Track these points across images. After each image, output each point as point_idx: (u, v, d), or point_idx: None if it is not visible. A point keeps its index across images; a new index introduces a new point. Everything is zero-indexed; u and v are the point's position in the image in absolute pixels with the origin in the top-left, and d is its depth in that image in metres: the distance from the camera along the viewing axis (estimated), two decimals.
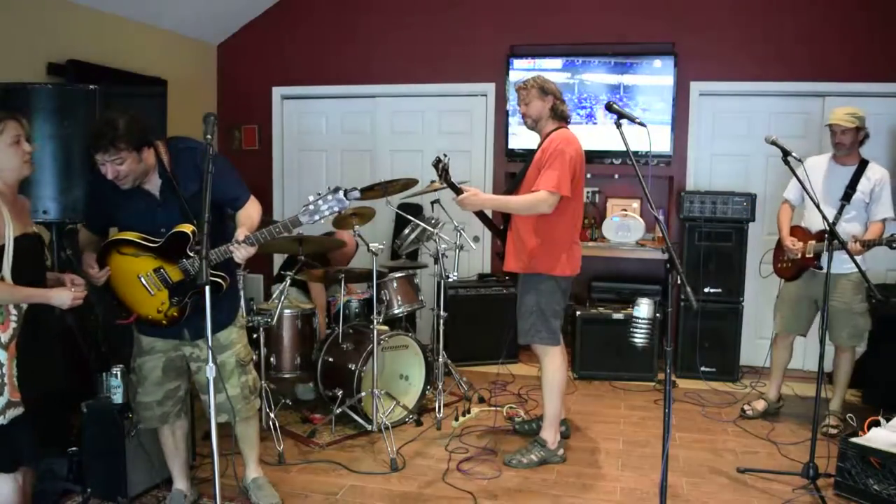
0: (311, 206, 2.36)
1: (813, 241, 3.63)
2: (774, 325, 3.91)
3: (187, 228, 2.43)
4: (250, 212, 2.58)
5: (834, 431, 3.67)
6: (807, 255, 3.66)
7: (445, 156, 3.25)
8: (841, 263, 3.41)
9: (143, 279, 2.50)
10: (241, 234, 2.41)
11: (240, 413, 2.69)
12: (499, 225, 3.51)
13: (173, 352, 2.66)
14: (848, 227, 3.58)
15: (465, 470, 3.26)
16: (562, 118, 3.28)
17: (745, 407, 4.01)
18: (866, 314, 3.72)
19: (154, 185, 2.50)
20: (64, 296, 2.28)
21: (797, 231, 3.80)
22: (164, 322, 2.54)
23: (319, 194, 2.36)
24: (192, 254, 2.43)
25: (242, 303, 2.90)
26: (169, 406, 2.71)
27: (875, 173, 3.62)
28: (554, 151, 3.12)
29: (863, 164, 3.64)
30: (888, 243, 3.29)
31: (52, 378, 2.38)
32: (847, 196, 3.61)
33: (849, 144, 3.62)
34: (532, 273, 3.27)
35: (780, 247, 3.84)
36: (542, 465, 3.31)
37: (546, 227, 3.20)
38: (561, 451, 3.37)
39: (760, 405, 4.01)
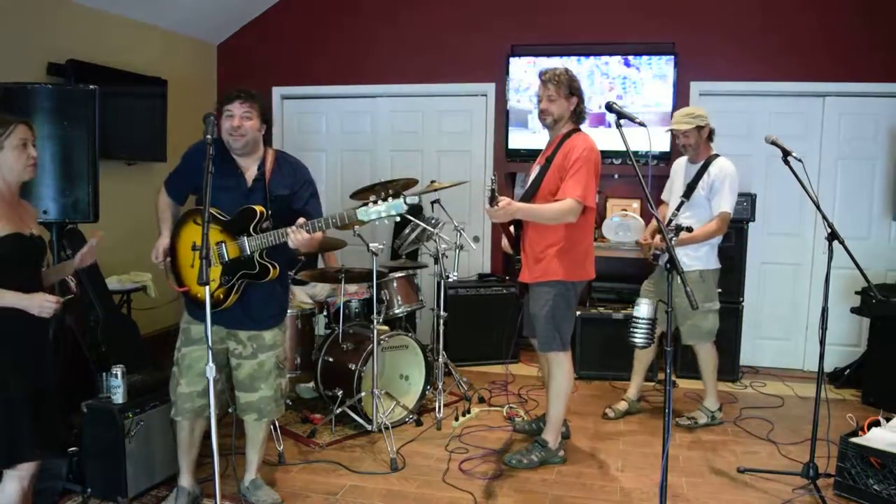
0: (371, 206, 2.46)
1: (656, 238, 3.68)
2: None
3: (258, 208, 2.57)
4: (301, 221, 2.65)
5: (685, 423, 3.81)
6: (648, 256, 3.76)
7: (493, 181, 3.09)
8: (681, 259, 3.49)
9: None
10: (300, 220, 2.55)
11: (269, 415, 2.77)
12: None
13: (219, 344, 2.70)
14: (683, 224, 3.53)
15: (465, 470, 3.26)
16: (579, 120, 3.21)
17: (607, 410, 3.99)
18: (711, 314, 3.72)
19: (251, 173, 2.67)
20: (44, 305, 2.24)
21: (655, 230, 3.85)
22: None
23: (381, 196, 2.47)
24: (254, 233, 2.55)
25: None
26: (207, 398, 2.71)
27: (715, 168, 3.64)
28: (579, 158, 3.05)
29: (708, 161, 3.68)
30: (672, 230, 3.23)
31: (43, 376, 2.34)
32: (688, 193, 3.67)
33: (694, 144, 3.66)
34: (547, 280, 3.18)
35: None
36: (543, 466, 3.31)
37: (563, 234, 3.14)
38: (562, 453, 3.37)
39: (622, 406, 4.01)
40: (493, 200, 2.95)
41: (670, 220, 3.68)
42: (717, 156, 3.69)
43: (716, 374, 3.85)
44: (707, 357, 3.81)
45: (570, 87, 3.14)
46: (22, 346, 2.26)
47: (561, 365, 3.27)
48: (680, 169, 3.83)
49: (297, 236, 2.50)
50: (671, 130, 3.72)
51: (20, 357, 2.25)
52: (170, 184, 2.82)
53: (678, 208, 3.69)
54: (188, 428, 2.78)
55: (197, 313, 2.67)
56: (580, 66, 5.02)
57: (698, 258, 3.67)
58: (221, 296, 2.58)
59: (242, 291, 2.62)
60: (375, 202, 2.46)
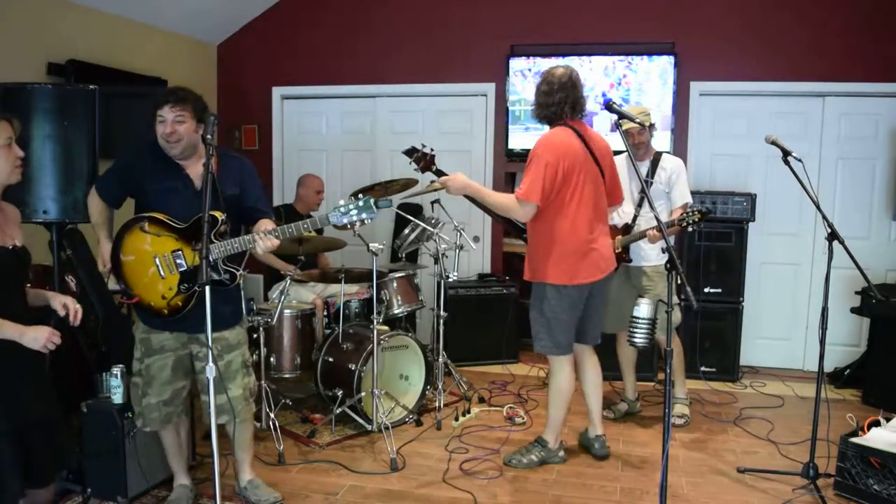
0: (343, 209, 2.38)
1: (619, 237, 3.66)
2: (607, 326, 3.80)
3: (218, 214, 2.44)
4: (268, 226, 2.61)
5: (680, 422, 3.82)
6: (615, 251, 3.65)
7: (423, 146, 3.33)
8: (646, 254, 3.66)
9: (158, 260, 2.51)
10: (267, 224, 2.51)
11: (240, 414, 2.69)
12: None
13: (182, 350, 2.67)
14: (651, 220, 3.60)
15: (466, 470, 3.26)
16: (556, 117, 3.10)
17: (606, 411, 3.96)
18: (676, 308, 3.76)
19: (196, 174, 2.56)
20: (39, 336, 1.97)
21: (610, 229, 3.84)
22: (165, 311, 2.54)
23: (352, 198, 2.41)
24: (215, 239, 2.45)
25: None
26: (174, 406, 2.71)
27: (668, 163, 3.72)
28: (533, 155, 3.01)
29: (657, 157, 3.74)
30: (679, 223, 3.39)
31: (37, 404, 2.13)
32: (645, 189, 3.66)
33: (647, 142, 3.71)
34: (536, 281, 3.16)
35: None
36: (542, 465, 3.31)
37: (546, 233, 3.07)
38: (561, 453, 3.37)
39: (622, 406, 4.03)
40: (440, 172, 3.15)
41: (635, 217, 3.70)
42: (661, 152, 3.79)
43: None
44: (678, 349, 3.89)
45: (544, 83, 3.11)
46: (23, 374, 2.08)
47: (559, 367, 3.23)
48: (621, 167, 3.63)
49: (266, 243, 2.43)
50: (629, 129, 3.55)
51: (25, 384, 2.09)
52: (104, 187, 2.69)
53: (639, 204, 3.71)
54: (173, 432, 2.79)
55: (153, 321, 2.61)
56: (580, 66, 5.02)
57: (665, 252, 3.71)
58: (180, 303, 2.52)
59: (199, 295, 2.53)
60: (347, 205, 2.38)
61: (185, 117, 2.47)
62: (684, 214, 3.40)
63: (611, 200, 3.24)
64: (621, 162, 3.77)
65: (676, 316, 3.81)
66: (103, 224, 2.71)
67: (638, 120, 2.79)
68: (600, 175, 3.12)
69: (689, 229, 3.43)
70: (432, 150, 3.48)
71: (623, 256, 3.67)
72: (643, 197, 3.69)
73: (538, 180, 2.95)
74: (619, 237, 3.65)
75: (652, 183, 3.68)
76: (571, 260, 3.06)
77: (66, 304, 2.14)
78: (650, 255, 3.68)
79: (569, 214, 3.04)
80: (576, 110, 3.09)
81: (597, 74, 5.02)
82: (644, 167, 3.71)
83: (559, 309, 3.11)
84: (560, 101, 3.06)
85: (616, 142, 3.74)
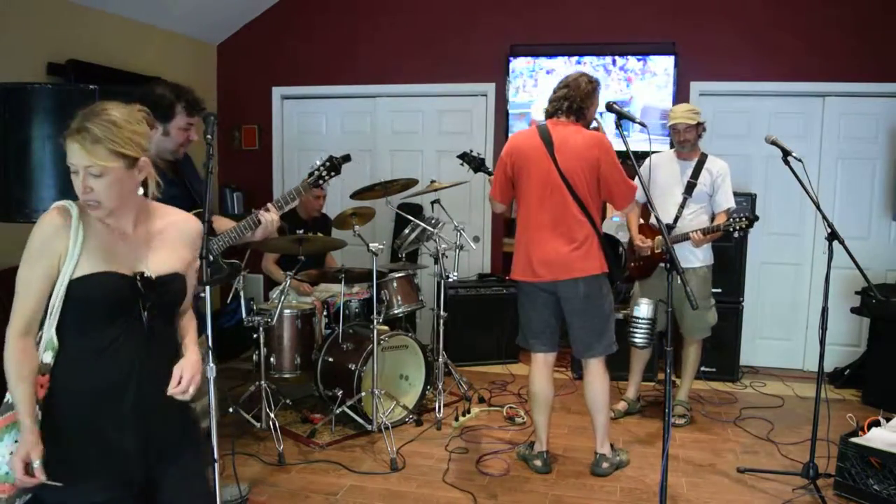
0: (315, 173, 2.80)
1: (658, 237, 3.67)
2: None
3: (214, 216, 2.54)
4: (224, 221, 2.62)
5: (681, 422, 3.81)
6: (655, 251, 3.71)
7: (471, 150, 3.89)
8: (687, 257, 3.61)
9: None
10: (268, 205, 2.60)
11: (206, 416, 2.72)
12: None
13: None
14: (693, 221, 3.65)
15: (467, 470, 3.26)
16: (547, 115, 3.14)
17: None
18: (714, 309, 3.82)
19: (178, 175, 2.55)
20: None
21: (645, 229, 3.84)
22: None
23: (321, 159, 2.82)
24: (212, 235, 2.49)
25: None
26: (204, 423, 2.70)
27: (715, 166, 3.70)
28: None
29: (703, 158, 3.73)
30: (725, 229, 3.40)
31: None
32: (689, 189, 3.68)
33: (693, 140, 3.69)
34: None
35: (631, 247, 3.83)
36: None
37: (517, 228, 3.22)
38: (538, 462, 3.25)
39: (622, 406, 4.02)
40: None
41: (678, 216, 3.67)
42: (706, 154, 3.76)
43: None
44: (698, 353, 3.88)
45: None
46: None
47: (531, 364, 3.27)
48: (663, 165, 3.77)
49: (269, 216, 2.53)
50: (673, 125, 3.69)
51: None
52: None
53: (683, 205, 3.68)
54: None
55: None
56: (580, 66, 5.02)
57: (707, 255, 3.74)
58: None
59: None
60: (318, 168, 2.82)
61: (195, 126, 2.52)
62: (731, 220, 3.40)
63: (614, 203, 3.17)
64: (665, 159, 3.82)
65: (714, 314, 3.81)
66: None
67: (639, 120, 2.79)
68: (558, 176, 2.99)
69: (736, 235, 3.43)
70: (479, 154, 4.01)
71: (662, 256, 3.65)
72: (686, 198, 3.68)
73: (496, 176, 3.21)
74: (658, 237, 3.65)
75: (695, 185, 3.66)
76: (520, 257, 3.17)
77: None
78: (690, 257, 3.65)
79: (520, 210, 3.18)
80: (561, 110, 3.06)
81: (597, 74, 5.01)
82: (689, 167, 3.70)
83: (520, 302, 3.25)
84: (551, 100, 3.13)
85: (618, 143, 3.73)
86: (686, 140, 3.67)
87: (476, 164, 3.99)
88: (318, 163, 2.87)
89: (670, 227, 3.66)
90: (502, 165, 3.14)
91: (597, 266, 3.05)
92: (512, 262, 3.23)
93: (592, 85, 3.07)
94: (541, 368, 3.22)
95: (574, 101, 3.04)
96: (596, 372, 3.17)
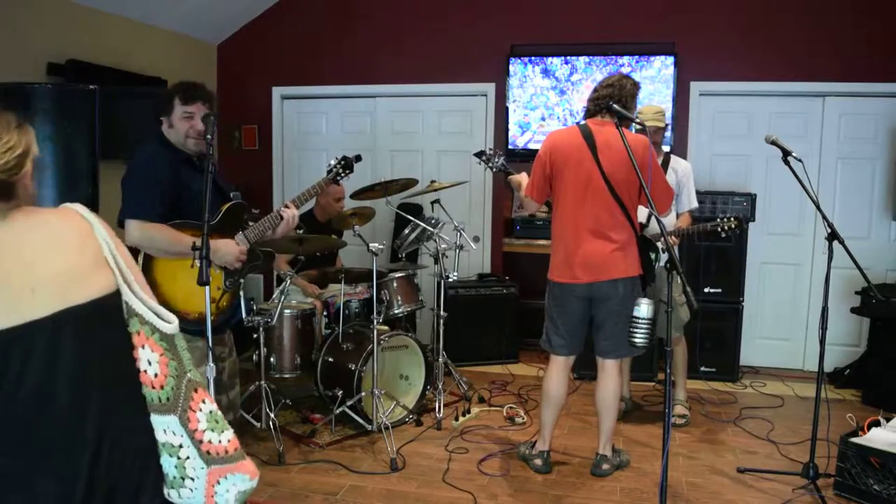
0: (332, 170, 3.00)
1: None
2: None
3: (243, 202, 2.59)
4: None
5: (680, 422, 3.81)
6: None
7: (491, 148, 3.68)
8: (662, 257, 3.58)
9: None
10: (287, 202, 2.71)
11: (237, 409, 2.78)
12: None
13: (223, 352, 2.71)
14: (665, 221, 3.54)
15: (467, 470, 3.26)
16: (587, 114, 3.13)
17: None
18: (685, 306, 3.76)
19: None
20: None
21: None
22: (213, 314, 2.40)
23: (337, 159, 3.02)
24: (249, 224, 2.60)
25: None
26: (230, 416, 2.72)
27: (680, 165, 3.73)
28: None
29: (667, 158, 3.74)
30: (713, 229, 3.34)
31: None
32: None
33: (660, 142, 3.72)
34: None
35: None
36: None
37: (553, 229, 3.19)
38: (538, 461, 3.26)
39: (621, 406, 3.98)
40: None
41: (649, 217, 3.67)
42: (670, 154, 3.78)
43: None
44: (683, 350, 3.89)
45: None
46: None
47: (549, 365, 3.26)
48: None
49: (290, 212, 2.65)
50: (647, 127, 3.62)
51: None
52: (158, 213, 2.43)
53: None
54: None
55: (191, 329, 2.50)
56: (580, 66, 5.02)
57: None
58: (225, 302, 2.56)
59: None
60: (335, 167, 3.03)
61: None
62: (720, 220, 3.36)
63: (657, 207, 2.92)
64: None
65: (686, 311, 3.80)
66: (181, 237, 2.42)
67: (638, 120, 2.79)
68: (601, 177, 2.97)
69: (723, 235, 3.41)
70: (496, 150, 3.74)
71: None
72: None
73: (532, 174, 3.12)
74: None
75: None
76: (560, 258, 3.12)
77: None
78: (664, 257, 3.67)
79: (558, 210, 3.14)
80: (605, 110, 3.01)
81: (597, 74, 5.01)
82: None
83: (549, 305, 3.20)
84: (593, 99, 3.09)
85: None
86: (655, 142, 3.66)
87: (496, 165, 3.55)
88: (334, 162, 3.04)
89: (643, 227, 3.64)
90: (541, 164, 3.08)
91: (635, 268, 3.07)
92: (551, 263, 3.17)
93: (636, 87, 3.06)
94: (560, 370, 3.23)
95: (618, 102, 2.99)
96: (612, 373, 3.16)
